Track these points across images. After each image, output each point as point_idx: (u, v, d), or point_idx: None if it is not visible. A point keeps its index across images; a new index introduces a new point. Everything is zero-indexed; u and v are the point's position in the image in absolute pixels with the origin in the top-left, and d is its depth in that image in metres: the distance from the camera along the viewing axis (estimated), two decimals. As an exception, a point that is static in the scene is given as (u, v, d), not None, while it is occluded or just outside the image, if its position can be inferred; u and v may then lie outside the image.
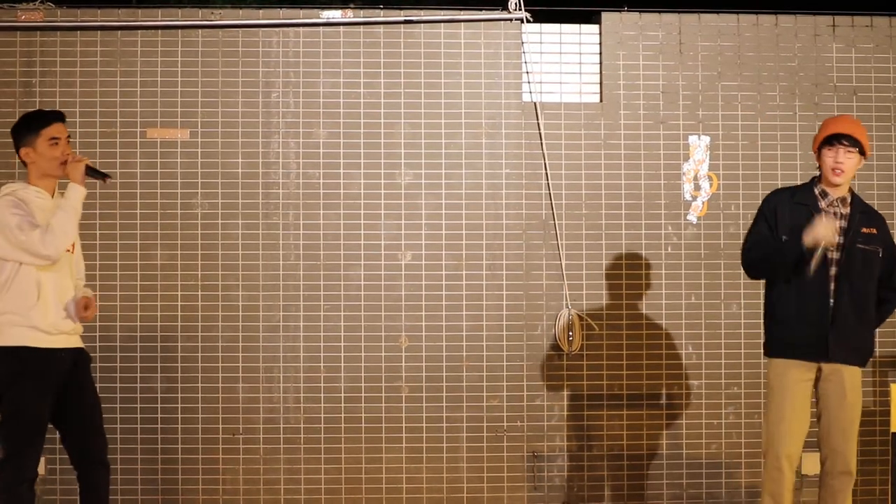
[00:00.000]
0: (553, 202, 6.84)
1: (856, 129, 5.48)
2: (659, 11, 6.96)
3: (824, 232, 5.29)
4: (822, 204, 5.48)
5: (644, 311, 6.86)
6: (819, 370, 5.47)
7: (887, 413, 6.20)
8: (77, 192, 5.18)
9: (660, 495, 6.84)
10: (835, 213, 5.46)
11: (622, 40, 6.91)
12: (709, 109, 6.93)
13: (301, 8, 6.85)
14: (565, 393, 6.82)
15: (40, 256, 5.07)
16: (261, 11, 6.84)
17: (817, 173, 5.58)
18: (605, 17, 6.91)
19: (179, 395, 6.65)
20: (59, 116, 5.32)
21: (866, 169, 6.94)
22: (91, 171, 5.25)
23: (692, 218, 6.90)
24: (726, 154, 6.93)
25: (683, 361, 6.87)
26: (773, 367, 5.53)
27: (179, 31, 6.73)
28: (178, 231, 6.64)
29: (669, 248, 6.89)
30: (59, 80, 6.67)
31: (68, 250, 5.26)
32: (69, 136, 5.32)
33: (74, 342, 5.29)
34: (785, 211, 5.50)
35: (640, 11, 6.93)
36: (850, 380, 5.44)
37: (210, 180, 6.72)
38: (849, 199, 5.52)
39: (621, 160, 6.89)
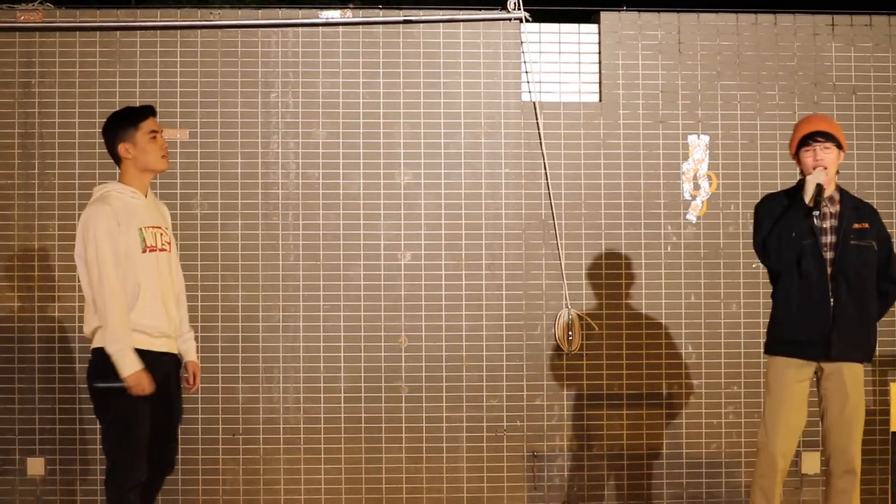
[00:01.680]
0: (552, 202, 6.83)
1: (828, 124, 5.50)
2: (658, 11, 6.95)
3: (814, 179, 5.38)
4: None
5: (644, 311, 6.86)
6: (819, 369, 5.47)
7: (887, 412, 6.19)
8: (124, 367, 4.94)
9: (660, 495, 6.84)
10: (824, 214, 5.46)
11: (621, 40, 6.91)
12: (708, 109, 6.93)
13: (300, 8, 6.85)
14: (565, 392, 6.82)
15: (89, 296, 5.00)
16: (260, 11, 6.84)
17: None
18: (604, 16, 6.91)
19: (179, 395, 6.64)
20: (153, 111, 5.24)
21: (865, 168, 6.95)
22: (113, 382, 4.99)
23: (692, 217, 6.90)
24: (725, 153, 6.93)
25: (683, 361, 6.87)
26: (773, 366, 5.53)
27: (178, 31, 6.73)
28: (178, 231, 6.62)
29: (669, 248, 6.89)
30: (58, 81, 6.67)
31: (163, 249, 5.14)
32: (162, 132, 5.25)
33: (172, 347, 5.18)
34: (778, 213, 5.49)
35: (639, 11, 6.93)
36: (850, 377, 5.44)
37: (209, 180, 6.72)
38: (837, 197, 5.52)
39: (620, 160, 6.89)
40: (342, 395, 6.73)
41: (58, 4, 6.71)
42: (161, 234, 5.17)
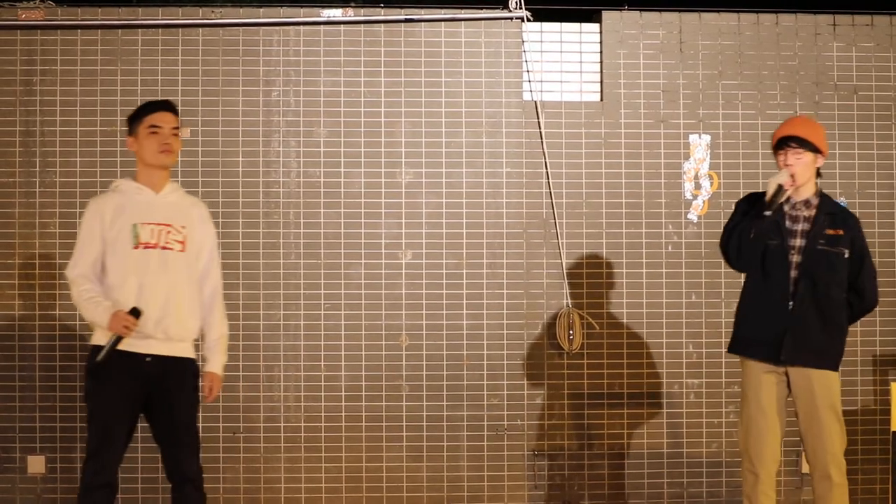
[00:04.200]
0: (553, 201, 6.84)
1: (803, 128, 5.40)
2: (659, 10, 6.96)
3: (776, 179, 5.31)
4: (786, 207, 5.42)
5: (644, 310, 6.87)
6: (787, 374, 5.41)
7: (887, 412, 6.20)
8: (100, 321, 4.92)
9: (660, 494, 6.85)
10: (797, 217, 5.42)
11: (623, 39, 6.91)
12: (709, 108, 6.93)
13: (301, 6, 6.85)
14: (566, 391, 6.83)
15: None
16: (261, 10, 6.84)
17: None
18: (606, 15, 6.91)
19: (180, 393, 6.64)
20: (164, 105, 5.08)
21: (866, 168, 6.95)
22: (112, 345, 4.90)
23: (693, 217, 6.90)
24: (727, 153, 6.94)
25: (684, 360, 6.87)
26: (744, 368, 5.51)
27: (180, 29, 6.73)
28: (179, 230, 6.64)
29: (670, 247, 6.89)
30: (60, 79, 6.67)
31: (168, 247, 4.98)
32: (176, 128, 5.05)
33: (169, 350, 5.00)
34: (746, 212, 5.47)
35: (640, 10, 6.93)
36: (819, 383, 5.34)
37: (210, 179, 6.72)
38: (814, 202, 5.43)
39: (622, 159, 6.89)
40: (343, 393, 6.74)
41: (59, 2, 6.71)
42: (168, 233, 5.01)
